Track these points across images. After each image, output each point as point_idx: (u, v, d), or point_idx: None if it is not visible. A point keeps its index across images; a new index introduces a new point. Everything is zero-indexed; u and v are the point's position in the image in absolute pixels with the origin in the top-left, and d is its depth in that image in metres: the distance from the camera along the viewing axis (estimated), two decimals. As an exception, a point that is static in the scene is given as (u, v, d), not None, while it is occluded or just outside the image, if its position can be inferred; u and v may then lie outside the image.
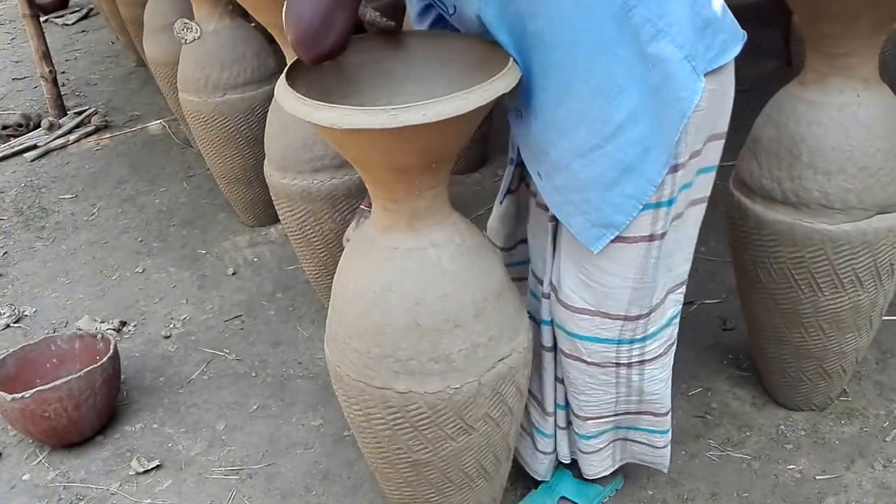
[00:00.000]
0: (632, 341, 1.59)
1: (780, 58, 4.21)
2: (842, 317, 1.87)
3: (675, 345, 1.68)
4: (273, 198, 2.54)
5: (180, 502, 2.09)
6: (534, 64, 1.39)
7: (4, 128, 4.69)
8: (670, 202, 1.45)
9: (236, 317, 2.82)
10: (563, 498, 1.89)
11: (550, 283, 1.64)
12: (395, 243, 1.47)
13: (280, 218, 2.59)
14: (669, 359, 1.67)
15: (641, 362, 1.63)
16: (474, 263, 1.49)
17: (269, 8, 2.19)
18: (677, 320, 1.65)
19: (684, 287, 1.64)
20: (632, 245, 1.48)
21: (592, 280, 1.53)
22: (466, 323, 1.47)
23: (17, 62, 6.29)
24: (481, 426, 1.57)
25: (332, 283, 1.62)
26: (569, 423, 1.82)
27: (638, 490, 1.94)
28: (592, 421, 1.73)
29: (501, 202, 1.73)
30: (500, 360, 1.53)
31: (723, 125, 1.50)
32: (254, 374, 2.52)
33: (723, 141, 1.52)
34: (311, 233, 2.47)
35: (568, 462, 1.89)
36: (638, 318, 1.56)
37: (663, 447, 1.79)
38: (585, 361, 1.63)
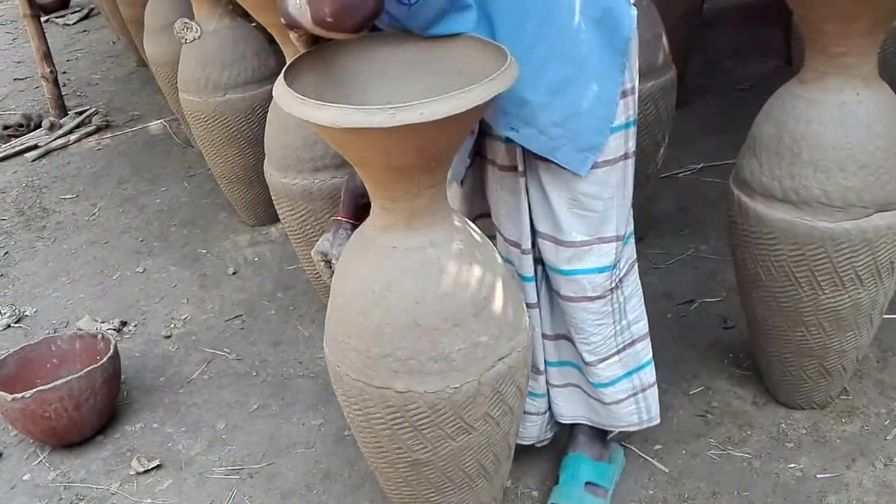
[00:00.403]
0: (619, 261, 1.74)
1: (781, 56, 4.22)
2: (842, 315, 1.86)
3: (636, 263, 1.83)
4: (273, 197, 2.54)
5: (181, 502, 2.09)
6: (503, 21, 1.51)
7: (5, 128, 4.69)
8: (632, 123, 1.65)
9: (237, 316, 2.83)
10: (588, 483, 1.91)
11: (533, 236, 1.72)
12: (394, 242, 1.47)
13: (280, 217, 2.59)
14: (636, 276, 1.83)
15: (620, 280, 1.77)
16: (473, 262, 1.49)
17: (270, 8, 2.18)
18: (633, 240, 1.81)
19: (631, 217, 1.80)
20: (615, 166, 1.65)
21: (587, 210, 1.66)
22: (466, 322, 1.47)
23: (18, 62, 6.29)
24: (481, 425, 1.57)
25: (332, 282, 1.63)
26: (568, 383, 1.89)
27: (639, 489, 1.94)
28: (602, 363, 1.81)
29: (462, 183, 1.78)
30: (499, 360, 1.53)
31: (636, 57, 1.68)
32: (254, 374, 2.52)
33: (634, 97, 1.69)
34: (312, 232, 2.47)
35: (568, 423, 1.95)
36: (624, 236, 1.73)
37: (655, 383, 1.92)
38: (591, 298, 1.73)
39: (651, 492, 1.93)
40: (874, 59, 1.71)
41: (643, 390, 1.87)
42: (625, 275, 1.78)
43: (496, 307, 1.51)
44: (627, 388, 1.85)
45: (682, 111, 3.49)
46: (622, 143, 1.64)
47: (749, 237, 1.90)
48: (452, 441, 1.56)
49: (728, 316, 2.48)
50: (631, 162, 1.69)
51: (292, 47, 2.25)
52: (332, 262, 1.73)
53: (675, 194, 3.20)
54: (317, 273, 2.59)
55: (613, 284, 1.75)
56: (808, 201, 1.76)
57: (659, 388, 2.21)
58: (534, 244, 1.73)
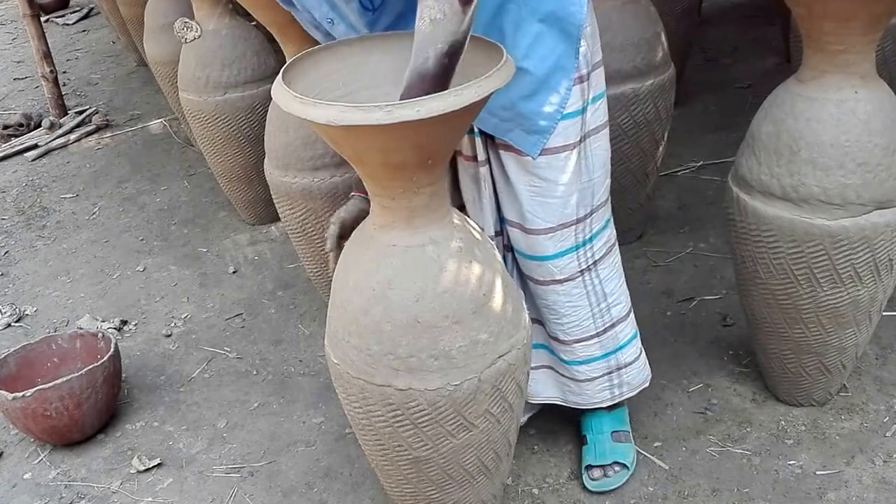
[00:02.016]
0: (584, 243, 1.80)
1: (780, 55, 4.22)
2: (841, 312, 1.87)
3: (616, 246, 1.90)
4: (273, 196, 2.55)
5: (181, 500, 2.09)
6: None
7: (5, 127, 4.70)
8: (583, 110, 1.70)
9: (237, 315, 2.83)
10: (612, 433, 2.00)
11: (501, 222, 1.80)
12: (393, 240, 1.48)
13: (280, 216, 2.60)
14: (615, 259, 1.89)
15: (594, 263, 1.83)
16: (473, 260, 1.49)
17: (269, 7, 2.18)
18: (611, 224, 1.88)
19: (608, 203, 1.86)
20: (572, 151, 1.70)
21: (549, 197, 1.72)
22: (466, 319, 1.48)
23: (18, 62, 6.30)
24: (482, 423, 1.58)
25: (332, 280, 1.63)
26: (541, 364, 1.96)
27: (639, 486, 1.94)
28: (579, 344, 1.88)
29: None
30: (499, 357, 1.53)
31: (598, 52, 1.75)
32: (255, 372, 2.53)
33: (602, 69, 1.76)
34: (312, 231, 2.47)
35: (543, 402, 2.02)
36: (585, 217, 1.77)
37: (640, 356, 1.99)
38: (559, 281, 1.80)
39: (651, 489, 1.94)
40: (872, 58, 1.71)
41: (618, 369, 1.94)
42: (601, 257, 1.84)
43: (496, 304, 1.52)
44: (602, 368, 1.92)
45: (681, 109, 3.50)
46: (578, 128, 1.70)
47: (748, 235, 1.90)
48: (453, 438, 1.57)
49: (727, 313, 2.48)
50: (585, 145, 1.74)
51: (292, 46, 2.26)
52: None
53: (675, 192, 3.20)
54: (318, 271, 2.60)
55: (584, 266, 1.81)
56: (807, 199, 1.76)
57: (658, 385, 2.23)
58: (503, 231, 1.81)
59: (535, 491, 1.97)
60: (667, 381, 2.24)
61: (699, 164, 3.37)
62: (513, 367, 1.56)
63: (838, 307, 1.86)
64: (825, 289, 1.84)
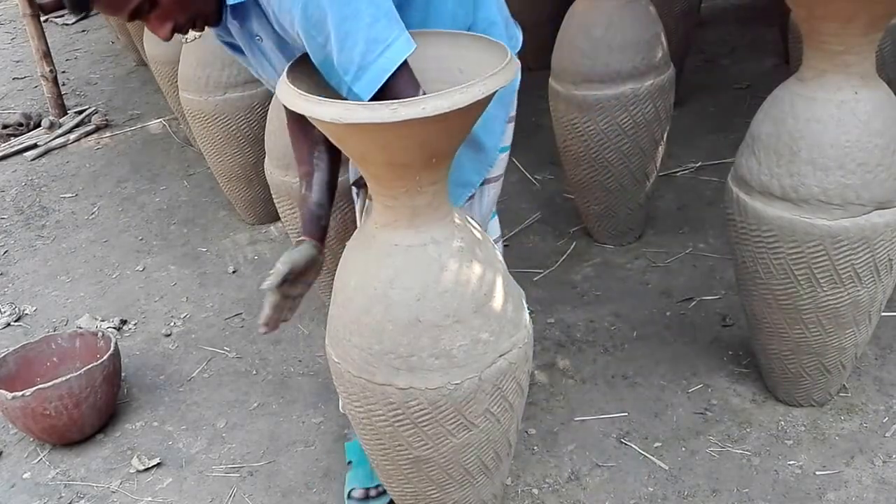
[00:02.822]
0: None
1: (778, 55, 4.23)
2: (841, 312, 1.87)
3: None
4: (273, 196, 2.55)
5: (181, 500, 2.09)
6: None
7: (5, 127, 4.69)
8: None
9: (237, 315, 2.83)
10: None
11: None
12: (395, 240, 1.48)
13: (280, 216, 2.60)
14: None
15: None
16: (474, 260, 1.50)
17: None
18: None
19: None
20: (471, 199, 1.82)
21: None
22: (467, 319, 1.48)
23: (17, 62, 6.30)
24: (482, 422, 1.58)
25: (332, 280, 1.63)
26: None
27: (639, 487, 1.95)
28: None
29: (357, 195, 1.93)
30: (500, 356, 1.53)
31: (513, 107, 1.85)
32: (254, 372, 2.53)
33: (513, 123, 1.86)
34: (312, 231, 2.47)
35: None
36: None
37: None
38: None
39: (651, 489, 1.94)
40: (872, 58, 1.72)
41: None
42: None
43: (497, 304, 1.52)
44: None
45: (680, 110, 3.50)
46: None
47: (748, 235, 1.90)
48: (453, 438, 1.57)
49: (727, 314, 2.48)
50: (489, 188, 1.85)
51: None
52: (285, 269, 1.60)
53: (674, 193, 3.21)
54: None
55: None
56: (807, 199, 1.76)
57: (658, 385, 2.23)
58: None
59: (535, 491, 1.97)
60: (667, 381, 2.25)
61: (698, 165, 3.38)
62: (513, 366, 1.56)
63: (838, 307, 1.87)
64: (825, 289, 1.84)
